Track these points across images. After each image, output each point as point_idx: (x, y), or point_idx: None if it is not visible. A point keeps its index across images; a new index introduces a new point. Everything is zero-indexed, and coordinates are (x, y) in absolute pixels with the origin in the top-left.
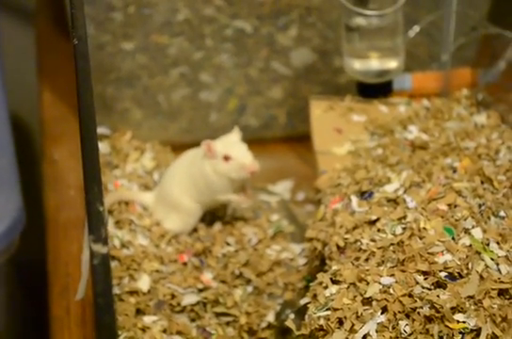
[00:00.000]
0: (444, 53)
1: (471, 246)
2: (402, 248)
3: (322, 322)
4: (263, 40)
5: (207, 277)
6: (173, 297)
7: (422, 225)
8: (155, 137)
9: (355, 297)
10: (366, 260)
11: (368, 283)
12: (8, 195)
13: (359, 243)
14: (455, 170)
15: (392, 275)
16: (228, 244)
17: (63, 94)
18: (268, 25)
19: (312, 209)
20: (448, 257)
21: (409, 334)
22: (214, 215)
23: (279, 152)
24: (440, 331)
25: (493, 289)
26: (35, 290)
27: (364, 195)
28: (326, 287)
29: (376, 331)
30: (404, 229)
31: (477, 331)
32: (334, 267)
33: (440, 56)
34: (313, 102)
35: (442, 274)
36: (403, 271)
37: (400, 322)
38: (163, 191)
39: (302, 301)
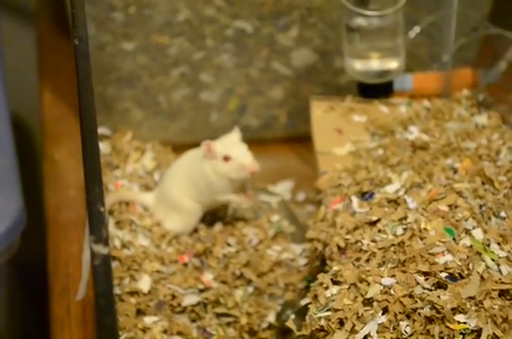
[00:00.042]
0: (445, 53)
1: (471, 246)
2: (403, 248)
3: (323, 323)
4: (263, 41)
5: (208, 277)
6: (174, 297)
7: (422, 226)
8: (156, 138)
9: (356, 297)
10: (367, 261)
11: (369, 284)
12: (8, 195)
13: (359, 244)
14: (455, 171)
15: (393, 276)
16: (228, 244)
17: (63, 94)
18: (269, 26)
19: (313, 210)
20: (449, 258)
21: (410, 335)
22: (214, 215)
23: (279, 152)
24: (441, 332)
25: (494, 290)
26: (35, 290)
27: (365, 196)
28: (326, 288)
29: (377, 332)
30: (404, 229)
31: (478, 332)
32: (335, 268)
33: (441, 56)
34: (314, 102)
35: (443, 275)
36: (404, 272)
37: (401, 323)
38: (163, 192)
39: (303, 302)
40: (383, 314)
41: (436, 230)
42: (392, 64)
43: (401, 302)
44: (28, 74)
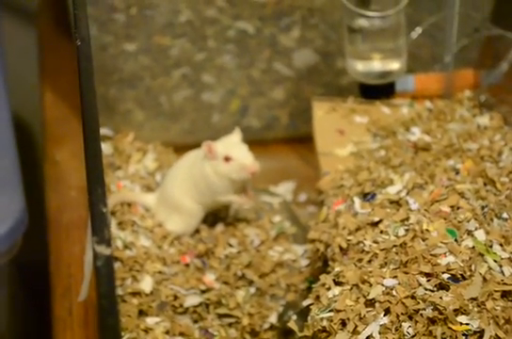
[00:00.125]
0: (447, 54)
1: (474, 248)
2: (405, 249)
3: (325, 323)
4: (265, 42)
5: (209, 278)
6: (176, 298)
7: (424, 227)
8: (158, 139)
9: (358, 298)
10: (369, 261)
11: (371, 285)
12: (10, 196)
13: (361, 244)
14: (457, 172)
15: (395, 277)
16: (230, 245)
17: (65, 95)
18: (271, 26)
19: (315, 210)
20: (451, 259)
21: (412, 336)
22: (216, 216)
23: (281, 153)
24: (444, 333)
25: (496, 291)
26: (37, 291)
27: (367, 196)
28: (328, 289)
29: (379, 333)
30: (406, 230)
31: (480, 333)
32: (337, 269)
33: (443, 57)
34: (316, 103)
35: (445, 276)
36: (406, 273)
37: (403, 324)
38: (165, 192)
39: (305, 303)
40: (385, 315)
41: (438, 231)
42: (394, 65)
43: (403, 303)
44: (30, 75)
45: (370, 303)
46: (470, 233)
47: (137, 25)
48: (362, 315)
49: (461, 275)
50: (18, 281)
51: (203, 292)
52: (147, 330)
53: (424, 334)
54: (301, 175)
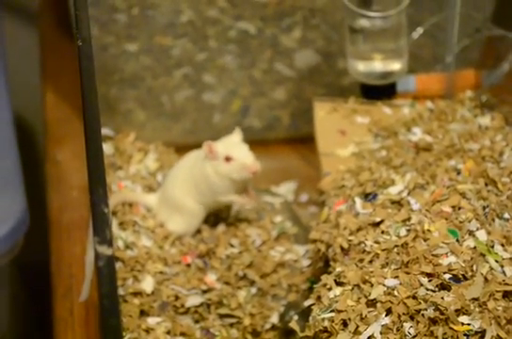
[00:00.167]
0: (448, 54)
1: (475, 248)
2: (406, 250)
3: (326, 324)
4: (266, 42)
5: (211, 278)
6: (177, 298)
7: (426, 227)
8: (159, 139)
9: (359, 298)
10: (370, 262)
11: (372, 285)
12: (11, 196)
13: (363, 245)
14: (459, 172)
15: (397, 277)
16: (231, 245)
17: (66, 95)
18: (272, 27)
19: (316, 211)
20: (452, 259)
21: (414, 336)
22: (217, 216)
23: (282, 153)
24: (445, 334)
25: (498, 291)
26: (38, 291)
27: (368, 197)
28: (330, 289)
29: (381, 333)
30: (408, 231)
31: (482, 334)
32: (338, 269)
33: (444, 57)
34: (317, 103)
35: (447, 276)
36: (407, 273)
37: (404, 324)
38: (166, 193)
39: (306, 303)
40: (387, 315)
41: (439, 231)
42: (395, 65)
43: (404, 303)
44: (31, 75)
45: (371, 303)
46: (471, 233)
47: (139, 26)
48: (364, 316)
49: (463, 275)
50: (19, 281)
51: (205, 292)
52: (148, 331)
53: (425, 335)
54: (302, 175)
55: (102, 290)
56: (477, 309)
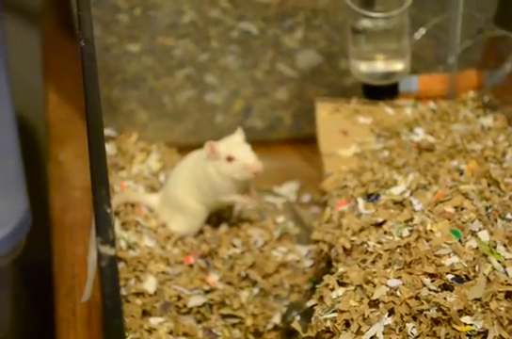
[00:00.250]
0: (451, 55)
1: (477, 248)
2: (409, 250)
3: (328, 324)
4: (268, 42)
5: (213, 279)
6: (179, 298)
7: (428, 227)
8: (161, 139)
9: (362, 299)
10: (373, 262)
11: (375, 286)
12: (14, 196)
13: (365, 245)
14: (461, 173)
15: (399, 277)
16: (234, 246)
17: (69, 96)
18: (274, 27)
19: (318, 211)
20: (455, 259)
21: (416, 337)
22: (219, 216)
23: (284, 153)
24: (448, 334)
25: (500, 292)
26: (41, 291)
27: (371, 197)
28: (332, 289)
29: (383, 334)
30: (410, 231)
31: (484, 334)
32: (341, 269)
33: (447, 58)
34: (319, 104)
35: (449, 276)
36: (410, 273)
37: (407, 324)
38: (168, 193)
39: (308, 303)
40: (389, 315)
41: (442, 231)
42: (398, 66)
43: (407, 304)
44: (33, 76)
45: (374, 304)
46: (474, 233)
47: (141, 26)
48: (366, 316)
49: (465, 276)
50: (21, 281)
51: (207, 292)
52: (150, 331)
53: (427, 335)
54: (305, 176)
55: (104, 290)
56: (480, 309)
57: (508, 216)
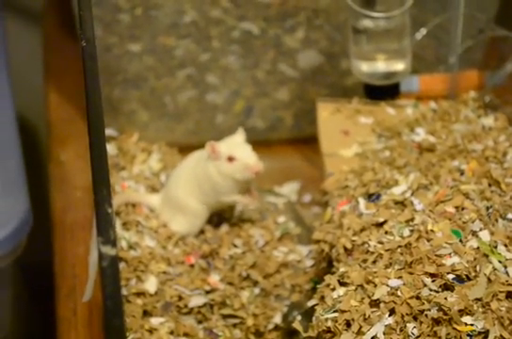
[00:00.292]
0: (452, 55)
1: (478, 248)
2: (409, 250)
3: (329, 324)
4: (270, 42)
5: (214, 279)
6: (180, 298)
7: (429, 227)
8: (162, 139)
9: (362, 299)
10: (374, 262)
11: (376, 286)
12: (15, 196)
13: (366, 245)
14: (462, 173)
15: (400, 277)
16: (235, 246)
17: (70, 96)
18: (275, 27)
19: (319, 211)
20: (456, 259)
21: (417, 337)
22: (220, 216)
23: (285, 153)
24: (448, 334)
25: (501, 292)
26: (41, 291)
27: (372, 197)
28: (333, 289)
29: (384, 334)
30: (411, 231)
31: (485, 334)
32: (342, 269)
33: (448, 58)
34: (320, 104)
35: (450, 276)
36: (410, 273)
37: (408, 324)
38: (169, 193)
39: (309, 303)
40: (390, 315)
41: (443, 231)
42: (399, 66)
43: (408, 304)
44: (35, 76)
45: (375, 304)
46: (474, 233)
47: (142, 26)
48: (367, 316)
49: (466, 275)
50: (22, 281)
51: (208, 292)
52: (151, 331)
53: (428, 335)
54: (306, 176)
55: (105, 290)
56: (480, 309)
57: (509, 216)
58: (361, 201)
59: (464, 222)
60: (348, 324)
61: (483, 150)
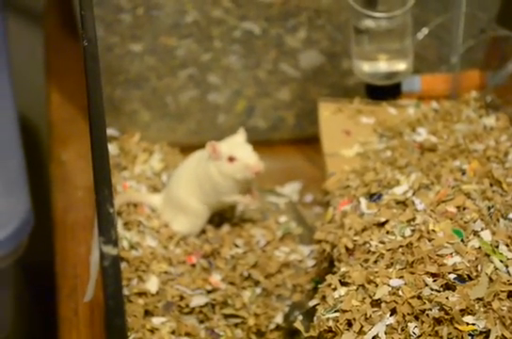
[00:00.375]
0: (453, 55)
1: (480, 248)
2: (411, 250)
3: (331, 324)
4: (271, 42)
5: (216, 278)
6: (182, 298)
7: (431, 227)
8: (164, 139)
9: (364, 298)
10: (375, 262)
11: (377, 285)
12: (16, 196)
13: (367, 245)
14: (463, 173)
15: (401, 277)
16: (236, 246)
17: (71, 96)
18: (277, 27)
19: (321, 211)
20: (457, 259)
21: (418, 336)
22: (222, 216)
23: (287, 153)
24: (450, 334)
25: (502, 291)
26: (43, 291)
27: (373, 197)
28: (334, 289)
29: (385, 333)
30: (413, 231)
31: (487, 334)
32: (343, 269)
33: (449, 58)
34: (322, 104)
35: (451, 276)
36: (412, 273)
37: (409, 324)
38: (170, 193)
39: (311, 303)
40: (391, 315)
41: (444, 231)
42: (401, 66)
43: (409, 303)
44: (36, 76)
45: (376, 303)
46: (476, 233)
47: (144, 26)
48: (368, 316)
49: (467, 275)
50: (24, 281)
51: (209, 292)
52: (153, 331)
53: (430, 334)
54: (307, 176)
55: (107, 290)
56: (482, 309)
57: (510, 215)
58: (363, 201)
59: (465, 222)
60: (350, 324)
61: (484, 150)
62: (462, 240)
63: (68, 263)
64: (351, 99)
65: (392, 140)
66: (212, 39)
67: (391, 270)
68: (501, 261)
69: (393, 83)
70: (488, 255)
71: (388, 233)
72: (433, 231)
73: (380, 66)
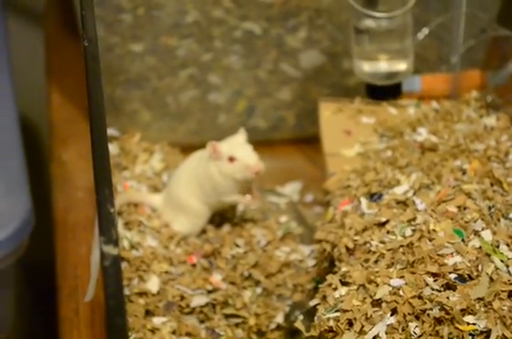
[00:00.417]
0: (454, 55)
1: (480, 248)
2: (411, 249)
3: (331, 323)
4: (272, 42)
5: (216, 278)
6: (182, 298)
7: (431, 227)
8: (164, 139)
9: (364, 298)
10: (376, 262)
11: (378, 285)
12: (17, 196)
13: (368, 245)
14: (464, 172)
15: (402, 277)
16: (237, 245)
17: (72, 95)
18: (277, 27)
19: (321, 211)
20: (458, 259)
21: (419, 336)
22: (222, 216)
23: (287, 153)
24: (450, 333)
25: (503, 291)
26: (43, 291)
27: (374, 197)
28: (335, 289)
29: (386, 333)
30: (413, 231)
31: (487, 333)
32: (343, 269)
33: (450, 58)
34: (322, 104)
35: (452, 276)
36: (412, 273)
37: (410, 324)
38: (171, 193)
39: (311, 303)
40: (392, 314)
41: (445, 231)
42: (401, 66)
43: (410, 303)
44: (36, 76)
45: (377, 303)
46: (476, 233)
47: (144, 26)
48: (369, 315)
49: (468, 275)
50: (24, 281)
51: (210, 292)
52: (153, 331)
53: (430, 334)
54: (308, 176)
55: (107, 290)
56: (483, 309)
57: (511, 215)
58: (363, 201)
59: (466, 222)
60: (350, 323)
61: (485, 149)
62: (463, 240)
63: (68, 263)
64: (352, 99)
65: (392, 140)
66: (212, 39)
67: (391, 270)
68: (501, 261)
69: (394, 83)
70: (488, 255)
71: (388, 232)
72: (434, 230)
73: (381, 66)
